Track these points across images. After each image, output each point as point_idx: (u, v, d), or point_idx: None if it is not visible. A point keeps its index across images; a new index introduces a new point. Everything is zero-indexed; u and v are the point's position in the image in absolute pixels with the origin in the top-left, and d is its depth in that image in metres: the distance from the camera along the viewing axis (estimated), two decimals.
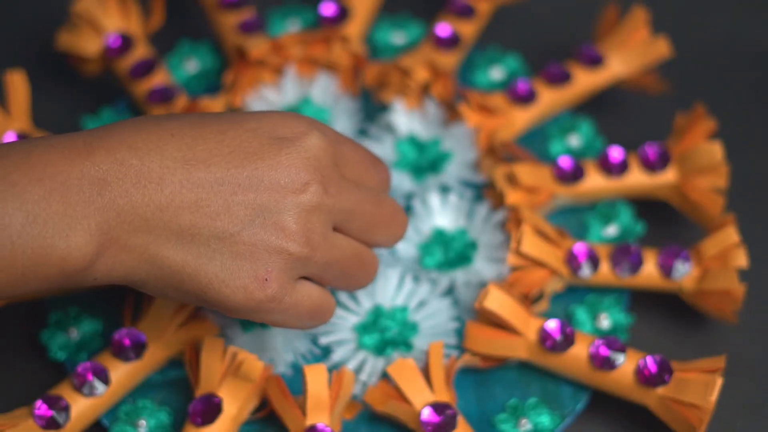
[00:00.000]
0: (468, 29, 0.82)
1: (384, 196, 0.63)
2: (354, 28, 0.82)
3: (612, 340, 0.68)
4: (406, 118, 0.78)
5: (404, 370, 0.66)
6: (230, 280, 0.58)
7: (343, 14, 0.81)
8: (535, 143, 0.80)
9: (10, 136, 0.74)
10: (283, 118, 0.60)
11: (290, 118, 0.60)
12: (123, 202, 0.57)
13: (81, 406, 0.67)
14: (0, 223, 0.55)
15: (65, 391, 0.67)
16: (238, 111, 0.61)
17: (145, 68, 0.78)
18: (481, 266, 0.72)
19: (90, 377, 0.66)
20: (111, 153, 0.57)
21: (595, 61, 0.80)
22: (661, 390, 0.67)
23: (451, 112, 0.78)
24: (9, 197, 0.55)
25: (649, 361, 0.67)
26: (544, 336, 0.68)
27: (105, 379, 0.67)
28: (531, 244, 0.70)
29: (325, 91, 0.80)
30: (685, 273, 0.71)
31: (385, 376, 0.69)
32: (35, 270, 0.56)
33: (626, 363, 0.67)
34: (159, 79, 0.79)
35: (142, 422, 0.68)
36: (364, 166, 0.63)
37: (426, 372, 0.67)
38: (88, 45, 0.79)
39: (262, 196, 0.57)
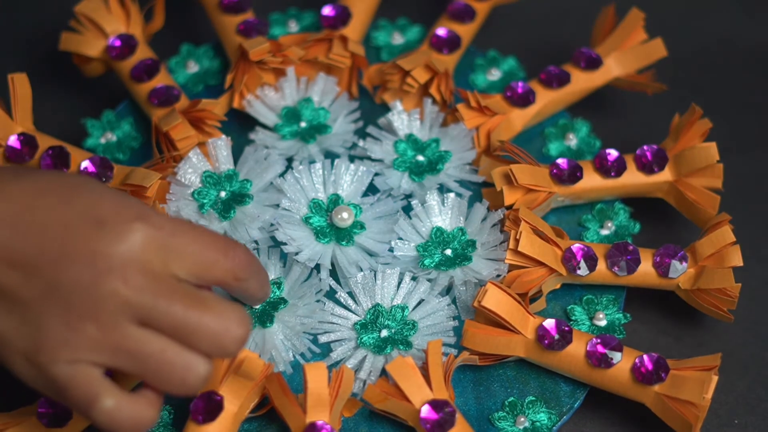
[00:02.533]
0: (465, 30, 0.83)
1: (215, 303, 0.60)
2: (353, 29, 0.82)
3: (609, 338, 0.68)
4: (405, 119, 0.78)
5: (403, 368, 0.66)
6: (13, 341, 0.59)
7: (345, 15, 0.82)
8: (533, 144, 0.80)
9: (14, 141, 0.75)
10: (116, 203, 0.60)
11: (122, 204, 0.60)
12: None
13: None
14: None
15: None
16: (84, 185, 0.61)
17: (146, 69, 0.79)
18: (480, 265, 0.72)
19: None
20: None
21: (593, 63, 0.80)
22: (657, 387, 0.67)
23: (449, 113, 0.79)
24: None
25: (646, 358, 0.67)
26: (541, 334, 0.68)
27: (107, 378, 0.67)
28: (529, 244, 0.70)
29: (325, 92, 0.80)
30: (681, 272, 0.71)
31: (384, 374, 0.69)
32: None
33: (623, 361, 0.68)
34: (160, 80, 0.79)
35: None
36: (209, 254, 0.60)
37: (425, 370, 0.67)
38: (91, 46, 0.80)
39: (65, 274, 0.58)
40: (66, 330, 0.58)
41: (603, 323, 0.72)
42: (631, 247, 0.71)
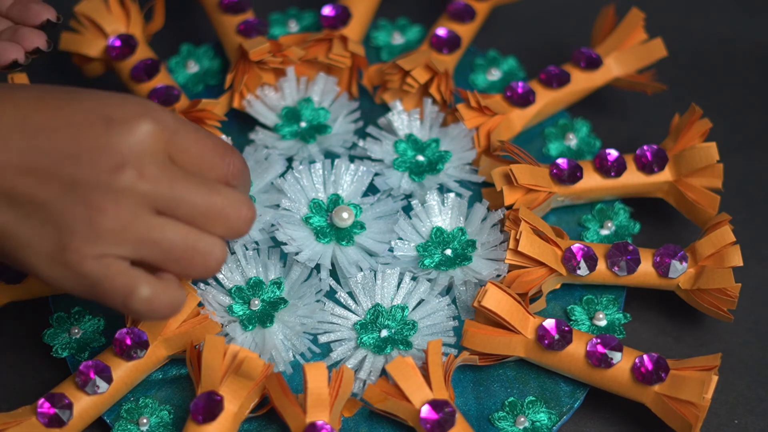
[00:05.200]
0: (465, 30, 0.83)
1: (221, 187, 0.62)
2: (353, 29, 0.82)
3: (609, 338, 0.68)
4: (405, 119, 0.78)
5: (403, 368, 0.66)
6: (35, 244, 0.60)
7: (345, 15, 0.82)
8: (533, 144, 0.80)
9: None
10: (121, 100, 0.61)
11: (128, 101, 0.61)
12: None
13: (83, 404, 0.67)
14: None
15: (68, 390, 0.67)
16: (85, 90, 0.62)
17: (146, 69, 0.79)
18: (480, 265, 0.72)
19: (92, 375, 0.67)
20: None
21: (593, 63, 0.80)
22: (657, 387, 0.67)
23: (449, 113, 0.79)
24: None
25: (646, 358, 0.67)
26: (541, 334, 0.68)
27: (107, 378, 0.67)
28: (529, 244, 0.70)
29: (325, 92, 0.80)
30: (681, 272, 0.71)
31: (384, 374, 0.69)
32: None
33: (623, 361, 0.68)
34: (160, 80, 0.79)
35: (144, 420, 0.69)
36: (208, 156, 0.63)
37: (425, 370, 0.67)
38: (91, 46, 0.80)
39: (80, 171, 0.59)
40: (89, 226, 0.59)
41: (603, 323, 0.72)
42: (631, 247, 0.72)
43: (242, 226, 0.63)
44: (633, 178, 0.76)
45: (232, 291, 0.72)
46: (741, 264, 0.71)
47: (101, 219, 0.59)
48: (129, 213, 0.60)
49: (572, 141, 0.80)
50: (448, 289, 0.73)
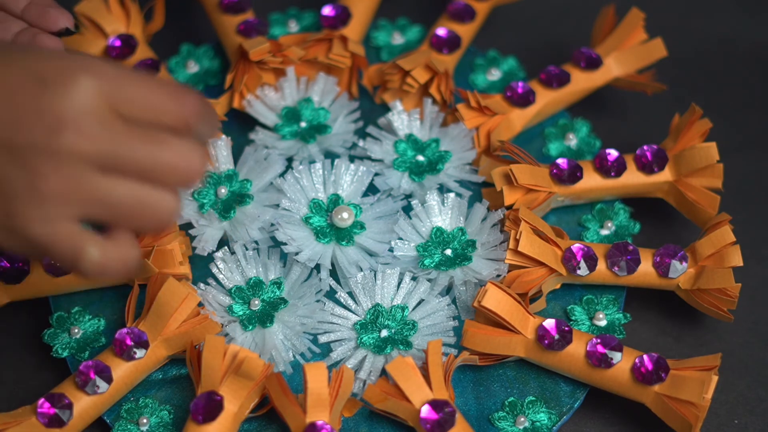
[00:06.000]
0: (465, 30, 0.83)
1: (170, 138, 0.60)
2: (353, 29, 0.83)
3: (609, 338, 0.68)
4: (405, 119, 0.78)
5: (403, 368, 0.66)
6: None
7: (345, 15, 0.82)
8: (533, 144, 0.80)
9: None
10: (56, 59, 0.59)
11: (63, 58, 0.59)
12: None
13: (83, 404, 0.67)
14: None
15: (68, 390, 0.67)
16: (17, 48, 0.60)
17: (146, 70, 0.79)
18: (480, 265, 0.72)
19: (92, 375, 0.67)
20: None
21: (593, 63, 0.80)
22: (657, 387, 0.67)
23: (449, 113, 0.79)
24: None
25: (646, 358, 0.67)
26: (541, 334, 0.68)
27: (107, 378, 0.67)
28: (529, 244, 0.70)
29: (325, 92, 0.80)
30: (681, 272, 0.71)
31: (384, 374, 0.70)
32: None
33: (623, 361, 0.68)
34: None
35: (144, 420, 0.69)
36: (158, 101, 0.60)
37: (425, 370, 0.67)
38: (91, 46, 0.80)
39: (18, 136, 0.58)
40: (31, 191, 0.58)
41: (603, 323, 0.72)
42: (631, 247, 0.72)
43: (193, 175, 0.60)
44: (633, 178, 0.76)
45: (232, 291, 0.72)
46: (741, 264, 0.71)
47: (43, 183, 0.58)
48: (71, 175, 0.58)
49: (572, 141, 0.80)
50: (448, 289, 0.73)
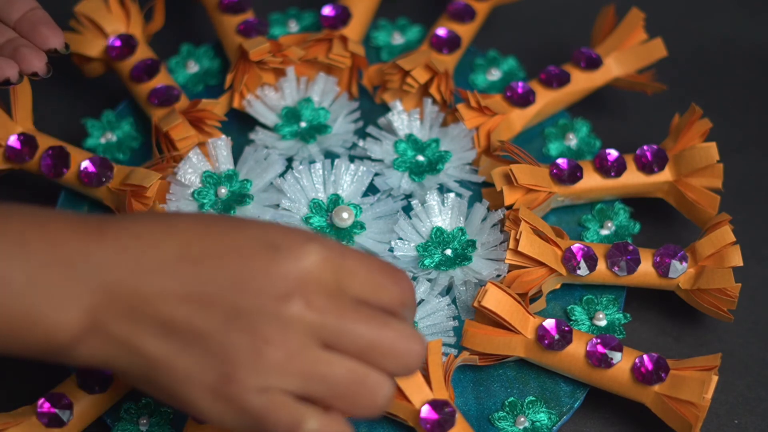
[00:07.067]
0: (465, 30, 0.83)
1: (391, 320, 0.58)
2: (353, 29, 0.82)
3: (609, 338, 0.68)
4: (405, 119, 0.78)
5: None
6: (196, 377, 0.56)
7: (345, 15, 0.82)
8: (533, 144, 0.80)
9: (14, 141, 0.75)
10: (285, 228, 0.58)
11: (291, 229, 0.58)
12: (115, 288, 0.56)
13: (83, 404, 0.67)
14: (3, 279, 0.55)
15: (68, 390, 0.67)
16: (246, 218, 0.59)
17: (146, 69, 0.79)
18: (480, 265, 0.72)
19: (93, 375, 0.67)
20: (117, 239, 0.57)
21: (593, 63, 0.80)
22: (657, 387, 0.67)
23: (449, 113, 0.79)
24: (18, 255, 0.55)
25: (646, 358, 0.67)
26: (541, 334, 0.68)
27: (108, 377, 0.67)
28: (529, 244, 0.70)
29: (325, 92, 0.80)
30: (681, 272, 0.71)
31: None
32: (18, 334, 0.56)
33: (623, 361, 0.68)
34: (160, 80, 0.79)
35: (144, 420, 0.69)
36: (379, 279, 0.59)
37: (425, 370, 0.67)
38: (91, 46, 0.80)
39: (245, 300, 0.56)
40: (254, 357, 0.56)
41: (603, 323, 0.72)
42: (631, 247, 0.72)
43: (413, 363, 0.58)
44: (633, 178, 0.76)
45: None
46: (741, 264, 0.71)
47: (267, 349, 0.55)
48: (296, 344, 0.56)
49: (572, 141, 0.80)
50: (448, 289, 0.73)
